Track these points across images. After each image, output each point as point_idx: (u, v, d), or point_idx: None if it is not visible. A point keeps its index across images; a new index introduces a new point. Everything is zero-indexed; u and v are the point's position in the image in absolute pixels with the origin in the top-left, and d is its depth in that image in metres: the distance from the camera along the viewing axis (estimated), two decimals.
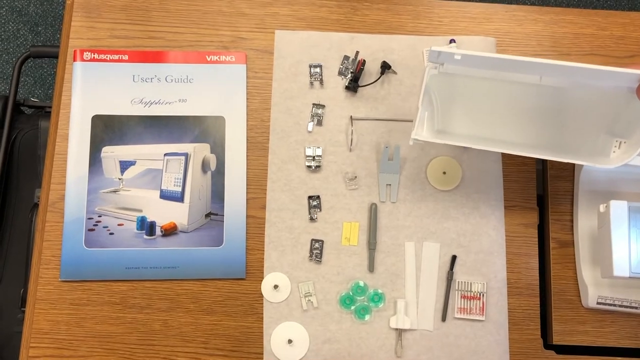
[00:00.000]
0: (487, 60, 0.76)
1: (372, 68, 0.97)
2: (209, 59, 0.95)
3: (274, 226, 0.91)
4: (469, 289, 0.90)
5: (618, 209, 0.83)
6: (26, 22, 1.85)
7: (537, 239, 0.93)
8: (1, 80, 1.81)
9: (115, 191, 0.90)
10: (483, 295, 0.90)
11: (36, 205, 1.16)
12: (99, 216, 0.89)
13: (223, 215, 0.90)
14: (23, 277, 1.14)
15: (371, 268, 0.90)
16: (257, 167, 0.93)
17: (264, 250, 0.90)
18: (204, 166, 0.91)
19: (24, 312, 1.15)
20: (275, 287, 0.89)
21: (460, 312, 0.89)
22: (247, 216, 0.91)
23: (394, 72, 0.96)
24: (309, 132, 0.94)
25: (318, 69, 0.96)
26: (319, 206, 0.92)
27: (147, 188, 0.90)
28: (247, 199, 0.91)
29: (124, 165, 0.91)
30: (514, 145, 0.82)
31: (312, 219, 0.91)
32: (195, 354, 0.87)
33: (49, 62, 1.84)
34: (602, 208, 0.85)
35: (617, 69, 0.74)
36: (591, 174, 0.92)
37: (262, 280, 0.89)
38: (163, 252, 0.88)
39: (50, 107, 1.32)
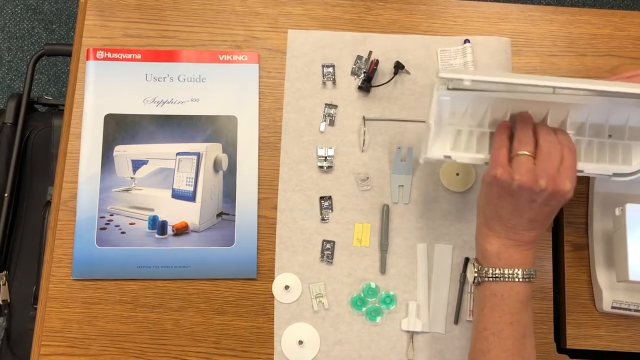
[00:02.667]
0: (498, 83, 0.74)
1: (385, 68, 0.96)
2: (221, 59, 0.95)
3: (285, 226, 0.91)
4: None
5: (634, 212, 0.82)
6: (41, 20, 1.86)
7: (551, 242, 0.92)
8: (16, 77, 1.82)
9: (127, 190, 0.90)
10: None
11: (49, 203, 1.17)
12: (111, 215, 0.89)
13: (234, 215, 0.90)
14: (35, 274, 1.15)
15: (383, 270, 0.90)
16: (269, 167, 0.93)
17: (275, 251, 0.90)
18: (216, 166, 0.91)
19: (36, 309, 1.15)
20: (286, 287, 0.88)
21: (473, 315, 0.88)
22: (259, 216, 0.91)
23: (407, 72, 0.96)
24: (321, 132, 0.94)
25: (331, 69, 0.95)
26: (330, 207, 0.91)
27: (159, 187, 0.90)
28: (258, 199, 0.91)
29: (136, 165, 0.91)
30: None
31: (323, 220, 0.91)
32: (206, 354, 0.87)
33: (62, 60, 1.85)
34: (617, 211, 0.84)
35: (629, 89, 0.71)
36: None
37: (273, 281, 0.89)
38: (174, 252, 0.88)
39: (64, 105, 1.32)
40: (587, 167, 0.77)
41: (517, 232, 0.74)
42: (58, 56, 1.63)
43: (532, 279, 0.75)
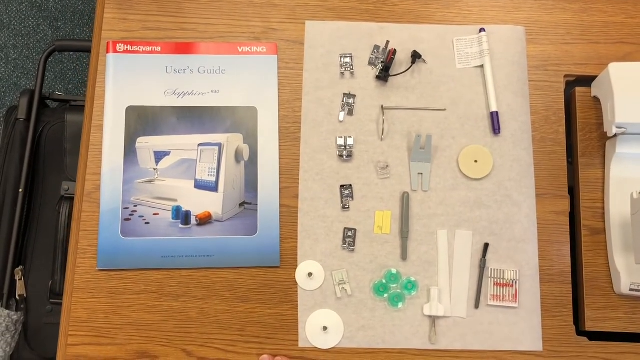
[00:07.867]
0: None
1: (402, 58, 0.97)
2: (240, 50, 0.96)
3: (307, 215, 0.92)
4: (502, 277, 0.90)
5: None
6: (46, 17, 1.86)
7: (568, 227, 0.93)
8: (22, 75, 1.82)
9: (150, 181, 0.91)
10: (516, 282, 0.90)
11: (62, 198, 1.18)
12: (135, 206, 0.90)
13: (257, 205, 0.91)
14: (50, 269, 1.16)
15: (404, 256, 0.91)
16: (290, 157, 0.93)
17: (297, 239, 0.91)
18: (237, 156, 0.92)
19: (52, 304, 1.16)
20: (310, 275, 0.89)
21: (493, 299, 0.90)
22: (281, 205, 0.92)
23: (424, 62, 0.97)
24: (340, 121, 0.95)
25: (348, 59, 0.96)
26: (351, 195, 0.93)
27: (182, 178, 0.91)
28: (280, 189, 0.92)
29: (159, 156, 0.91)
30: None
31: (344, 208, 0.92)
32: (231, 341, 0.88)
33: (68, 57, 1.85)
34: (635, 194, 0.85)
35: None
36: (623, 161, 0.92)
37: (296, 269, 0.90)
38: (198, 241, 0.89)
39: (76, 100, 1.33)
40: None
41: None
42: (69, 52, 1.63)
43: None
